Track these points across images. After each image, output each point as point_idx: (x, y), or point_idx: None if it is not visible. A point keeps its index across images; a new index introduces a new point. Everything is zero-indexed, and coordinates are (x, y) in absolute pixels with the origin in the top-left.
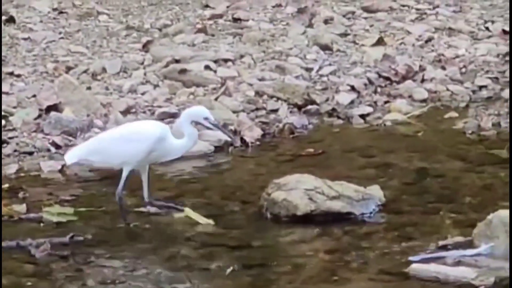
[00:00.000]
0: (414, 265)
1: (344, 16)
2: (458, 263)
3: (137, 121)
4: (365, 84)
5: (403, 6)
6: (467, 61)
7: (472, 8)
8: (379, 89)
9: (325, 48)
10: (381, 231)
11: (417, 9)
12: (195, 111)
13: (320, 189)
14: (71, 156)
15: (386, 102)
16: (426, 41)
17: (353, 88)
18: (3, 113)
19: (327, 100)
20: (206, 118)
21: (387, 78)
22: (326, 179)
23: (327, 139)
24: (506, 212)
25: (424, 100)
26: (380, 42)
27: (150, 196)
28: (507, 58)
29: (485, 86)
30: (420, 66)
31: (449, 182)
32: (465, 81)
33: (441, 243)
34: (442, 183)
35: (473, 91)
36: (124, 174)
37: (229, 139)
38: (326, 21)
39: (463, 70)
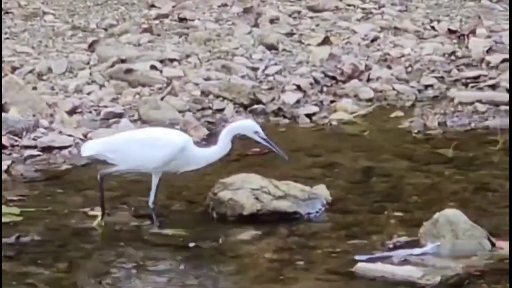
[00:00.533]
0: (360, 265)
1: (290, 15)
2: (404, 262)
3: (159, 128)
4: (311, 84)
5: (349, 5)
6: (412, 60)
7: (417, 8)
8: (325, 89)
9: (271, 47)
10: (327, 230)
11: (363, 9)
12: (246, 124)
13: (266, 188)
14: (88, 148)
15: (332, 102)
16: (372, 41)
17: (299, 88)
18: None
19: (273, 99)
20: (256, 132)
21: (333, 78)
22: (272, 179)
23: (273, 138)
24: (452, 211)
25: (370, 100)
26: (326, 41)
27: (154, 203)
28: (453, 57)
29: (431, 85)
30: (366, 65)
31: (395, 182)
32: (411, 80)
33: (387, 242)
34: (388, 183)
35: (419, 90)
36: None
37: (282, 156)
38: (272, 21)
39: (409, 69)
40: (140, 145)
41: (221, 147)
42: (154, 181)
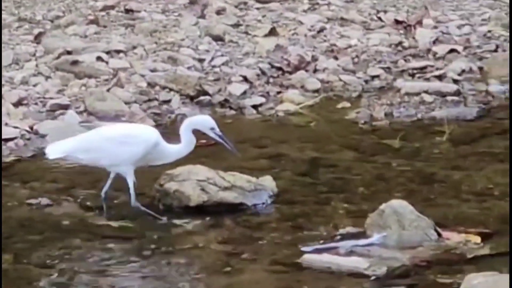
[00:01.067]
0: (306, 256)
1: (236, 6)
2: (350, 253)
3: (128, 124)
4: (258, 75)
5: None
6: (359, 51)
7: None
8: (271, 80)
9: (218, 39)
10: (273, 221)
11: (310, 0)
12: (202, 120)
13: (212, 180)
14: (55, 151)
15: (278, 93)
16: (319, 32)
17: (245, 79)
18: None
19: (219, 90)
20: (212, 129)
21: (280, 69)
22: (218, 170)
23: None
24: (398, 202)
25: (316, 91)
26: (272, 32)
27: (105, 192)
28: (399, 48)
29: (377, 76)
30: (313, 56)
31: (341, 172)
32: (357, 71)
33: (333, 233)
34: (335, 173)
35: (366, 81)
36: (112, 176)
37: (235, 152)
38: (218, 12)
39: (356, 60)
40: (114, 143)
41: (187, 143)
42: (112, 174)
